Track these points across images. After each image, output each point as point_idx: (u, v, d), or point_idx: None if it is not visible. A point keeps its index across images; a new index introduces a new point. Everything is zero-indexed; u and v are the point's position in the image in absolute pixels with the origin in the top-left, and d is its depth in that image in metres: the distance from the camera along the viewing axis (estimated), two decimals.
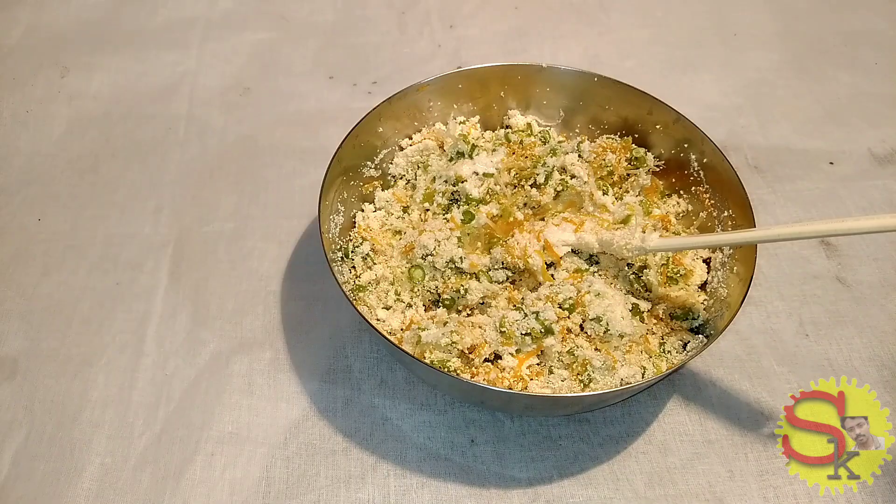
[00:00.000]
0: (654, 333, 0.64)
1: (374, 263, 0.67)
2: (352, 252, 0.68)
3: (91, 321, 0.71)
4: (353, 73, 0.97)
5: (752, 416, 0.65)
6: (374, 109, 0.71)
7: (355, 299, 0.63)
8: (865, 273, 0.75)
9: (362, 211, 0.72)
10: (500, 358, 0.61)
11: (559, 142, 0.74)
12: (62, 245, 0.77)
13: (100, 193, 0.82)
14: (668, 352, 0.63)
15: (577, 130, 0.78)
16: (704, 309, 0.65)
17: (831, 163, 0.86)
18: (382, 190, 0.74)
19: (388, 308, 0.66)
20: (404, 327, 0.64)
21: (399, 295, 0.66)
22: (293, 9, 1.05)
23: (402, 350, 0.57)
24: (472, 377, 0.59)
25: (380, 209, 0.72)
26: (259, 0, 1.07)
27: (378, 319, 0.64)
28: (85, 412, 0.64)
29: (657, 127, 0.73)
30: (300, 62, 0.98)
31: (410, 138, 0.76)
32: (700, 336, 0.63)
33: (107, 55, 0.98)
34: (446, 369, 0.59)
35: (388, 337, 0.57)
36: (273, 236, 0.78)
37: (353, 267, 0.67)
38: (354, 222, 0.71)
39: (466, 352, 0.60)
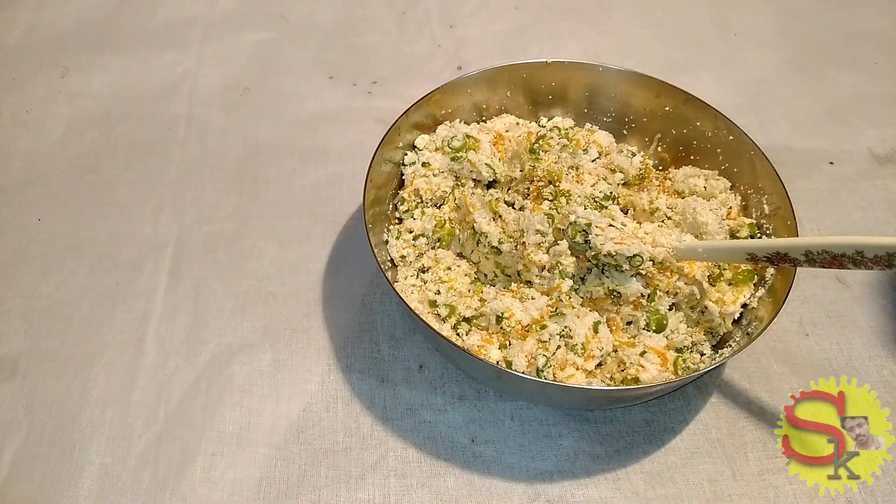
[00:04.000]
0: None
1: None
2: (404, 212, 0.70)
3: (91, 321, 0.71)
4: (353, 73, 0.97)
5: (752, 416, 0.65)
6: (423, 98, 0.71)
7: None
8: (865, 273, 0.75)
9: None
10: None
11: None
12: (62, 245, 0.77)
13: (100, 193, 0.82)
14: (687, 359, 0.63)
15: (624, 133, 0.78)
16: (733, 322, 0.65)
17: (831, 163, 0.86)
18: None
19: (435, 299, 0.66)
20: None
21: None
22: (293, 9, 1.05)
23: (458, 347, 0.57)
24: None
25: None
26: (259, 0, 1.07)
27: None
28: (85, 412, 0.64)
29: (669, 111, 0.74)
30: (300, 62, 0.98)
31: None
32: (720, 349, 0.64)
33: (107, 55, 0.98)
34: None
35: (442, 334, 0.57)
36: (273, 236, 0.78)
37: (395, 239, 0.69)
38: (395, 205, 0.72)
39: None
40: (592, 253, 0.61)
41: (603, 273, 0.62)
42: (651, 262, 0.61)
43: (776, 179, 0.66)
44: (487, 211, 0.68)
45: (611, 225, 0.62)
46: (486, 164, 0.71)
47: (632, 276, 0.61)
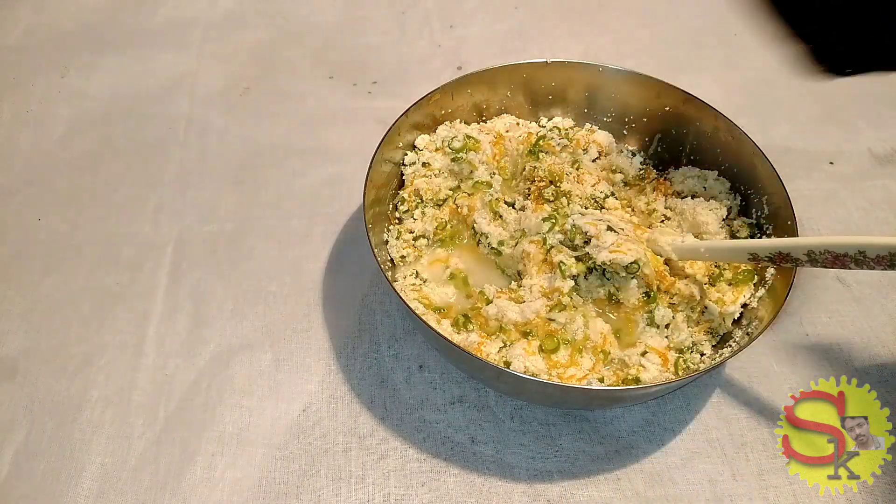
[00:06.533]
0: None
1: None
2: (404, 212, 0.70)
3: (91, 321, 0.71)
4: (353, 73, 0.96)
5: (752, 416, 0.65)
6: (423, 98, 0.71)
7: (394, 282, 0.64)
8: (865, 273, 0.75)
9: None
10: None
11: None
12: (62, 245, 0.77)
13: (100, 193, 0.82)
14: (687, 359, 0.63)
15: (624, 133, 0.78)
16: (734, 322, 0.65)
17: (831, 163, 0.86)
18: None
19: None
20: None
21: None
22: (293, 9, 1.05)
23: (459, 347, 0.57)
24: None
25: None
26: (259, 0, 1.07)
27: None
28: (85, 412, 0.64)
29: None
30: (300, 62, 0.98)
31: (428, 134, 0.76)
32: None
33: (107, 55, 0.98)
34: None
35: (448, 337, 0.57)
36: (273, 236, 0.78)
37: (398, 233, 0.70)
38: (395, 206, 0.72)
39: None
40: (591, 261, 0.61)
41: (604, 275, 0.62)
42: (649, 268, 0.61)
43: (776, 179, 0.66)
44: (487, 211, 0.68)
45: (609, 229, 0.62)
46: (485, 165, 0.72)
47: (632, 278, 0.61)
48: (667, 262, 0.64)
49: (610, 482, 0.61)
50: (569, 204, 0.67)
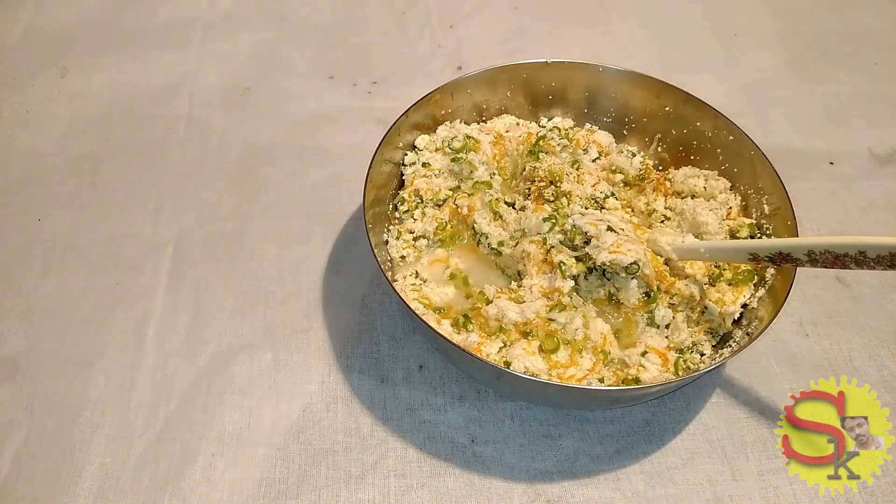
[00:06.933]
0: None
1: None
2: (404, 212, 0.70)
3: (91, 321, 0.71)
4: (353, 73, 0.97)
5: (752, 416, 0.65)
6: (423, 98, 0.71)
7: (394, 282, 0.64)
8: (865, 273, 0.75)
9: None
10: None
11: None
12: (62, 245, 0.77)
13: (100, 193, 0.82)
14: (687, 359, 0.63)
15: (624, 133, 0.79)
16: (734, 322, 0.65)
17: (831, 163, 0.87)
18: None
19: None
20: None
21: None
22: (293, 9, 1.05)
23: (457, 346, 0.57)
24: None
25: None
26: (259, 0, 1.07)
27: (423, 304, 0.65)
28: (85, 412, 0.64)
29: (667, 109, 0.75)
30: (300, 62, 0.98)
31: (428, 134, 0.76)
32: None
33: (107, 55, 0.98)
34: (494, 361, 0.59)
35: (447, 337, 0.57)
36: (273, 236, 0.78)
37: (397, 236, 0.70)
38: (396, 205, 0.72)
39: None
40: (591, 261, 0.61)
41: (604, 275, 0.62)
42: (649, 269, 0.61)
43: (776, 179, 0.66)
44: (487, 211, 0.68)
45: (609, 229, 0.62)
46: (485, 165, 0.72)
47: (632, 278, 0.61)
48: (667, 262, 0.64)
49: (610, 482, 0.61)
50: (569, 204, 0.67)
